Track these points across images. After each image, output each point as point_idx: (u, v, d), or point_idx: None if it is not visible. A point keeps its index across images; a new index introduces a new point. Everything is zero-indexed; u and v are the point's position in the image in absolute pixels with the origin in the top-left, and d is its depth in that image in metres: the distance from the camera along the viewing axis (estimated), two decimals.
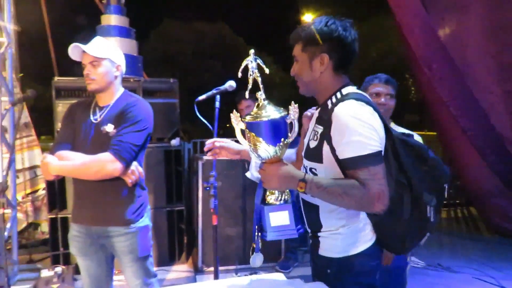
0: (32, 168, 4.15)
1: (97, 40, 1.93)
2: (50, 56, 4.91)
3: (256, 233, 1.34)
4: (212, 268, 2.19)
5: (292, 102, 1.29)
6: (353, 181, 1.23)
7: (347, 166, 1.26)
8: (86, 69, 1.87)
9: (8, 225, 3.16)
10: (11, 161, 3.15)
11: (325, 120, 1.32)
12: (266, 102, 1.29)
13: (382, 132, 1.30)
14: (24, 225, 4.04)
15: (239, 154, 1.71)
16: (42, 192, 4.16)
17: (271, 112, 1.26)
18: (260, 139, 1.24)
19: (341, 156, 1.26)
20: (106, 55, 1.89)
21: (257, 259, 1.38)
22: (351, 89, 1.38)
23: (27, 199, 4.11)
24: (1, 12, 3.38)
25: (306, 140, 1.44)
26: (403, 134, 1.44)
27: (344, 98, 1.31)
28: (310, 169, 1.38)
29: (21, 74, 4.14)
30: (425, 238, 1.44)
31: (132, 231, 1.89)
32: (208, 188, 2.05)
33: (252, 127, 1.26)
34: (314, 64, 1.37)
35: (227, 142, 1.72)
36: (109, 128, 1.85)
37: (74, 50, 1.87)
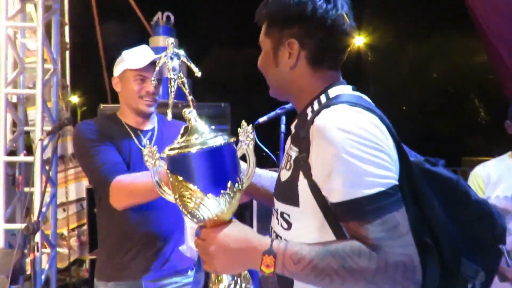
0: (79, 200, 3.95)
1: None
2: (104, 81, 4.85)
3: None
4: None
5: (243, 122, 0.86)
6: (356, 243, 0.75)
7: (343, 215, 0.78)
8: (148, 85, 1.52)
9: (47, 267, 2.90)
10: (52, 196, 2.91)
11: (302, 138, 0.86)
12: (198, 122, 0.82)
13: (395, 155, 0.81)
14: (67, 262, 3.81)
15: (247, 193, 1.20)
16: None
17: (208, 137, 0.78)
18: (191, 185, 0.76)
19: (331, 198, 0.79)
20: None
21: None
22: (342, 89, 0.92)
23: (72, 233, 3.90)
24: (49, 38, 3.25)
25: (279, 169, 0.97)
26: (427, 160, 0.88)
27: (330, 103, 0.85)
28: (282, 214, 0.91)
29: (71, 99, 4.01)
30: None
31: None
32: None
33: (177, 165, 0.77)
34: (281, 56, 0.93)
35: None
36: None
37: (142, 56, 1.51)
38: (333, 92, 0.91)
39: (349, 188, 0.76)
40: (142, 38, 3.83)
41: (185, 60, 0.89)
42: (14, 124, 3.08)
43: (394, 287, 0.74)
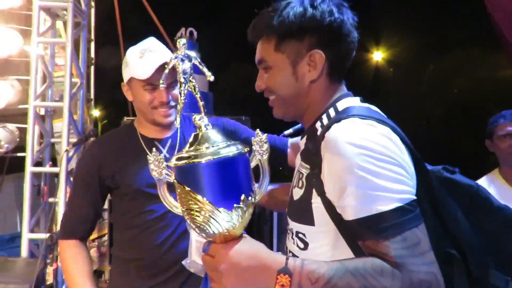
0: None
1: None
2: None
3: None
4: None
5: (257, 130, 0.80)
6: (378, 261, 0.71)
7: (359, 233, 0.75)
8: (160, 94, 1.30)
9: None
10: None
11: (313, 154, 0.84)
12: (209, 130, 0.75)
13: (411, 167, 0.79)
14: None
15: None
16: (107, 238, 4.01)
17: (220, 146, 0.72)
18: (200, 197, 0.69)
19: (346, 216, 0.76)
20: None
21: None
22: (351, 101, 0.90)
23: (93, 244, 3.95)
24: (77, 53, 3.36)
25: (291, 188, 0.93)
26: (445, 168, 0.85)
27: (340, 117, 0.82)
28: (297, 233, 0.88)
29: (93, 113, 4.11)
30: None
31: None
32: None
33: (186, 176, 0.71)
34: (300, 69, 0.89)
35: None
36: None
37: (148, 62, 1.29)
38: (341, 104, 0.89)
39: (364, 205, 0.73)
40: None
41: (197, 62, 0.82)
42: (40, 136, 3.18)
43: None
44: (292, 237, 0.90)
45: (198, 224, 0.72)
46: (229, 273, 0.71)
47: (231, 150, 0.72)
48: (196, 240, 1.06)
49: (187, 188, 0.70)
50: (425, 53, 12.46)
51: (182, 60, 0.79)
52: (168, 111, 1.34)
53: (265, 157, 0.80)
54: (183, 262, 1.15)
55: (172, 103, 1.34)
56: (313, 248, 0.85)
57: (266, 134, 0.80)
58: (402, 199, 0.73)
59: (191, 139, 0.76)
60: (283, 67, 0.90)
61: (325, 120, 0.88)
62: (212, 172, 0.70)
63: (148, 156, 0.76)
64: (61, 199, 2.69)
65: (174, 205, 0.77)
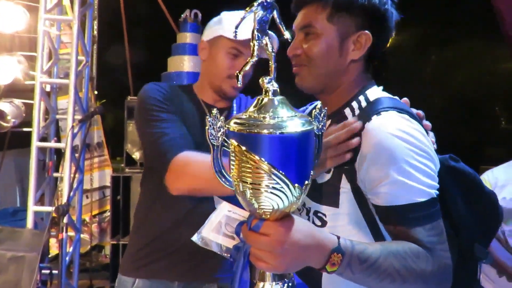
0: (101, 188, 4.10)
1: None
2: (127, 77, 4.99)
3: None
4: None
5: (318, 103, 0.76)
6: (414, 246, 0.77)
7: (392, 219, 0.81)
8: (241, 64, 1.19)
9: (71, 249, 3.03)
10: (79, 182, 3.04)
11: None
12: (277, 98, 0.66)
13: (438, 162, 0.87)
14: (88, 247, 3.95)
15: None
16: (109, 214, 4.10)
17: (286, 118, 0.63)
18: (272, 169, 0.61)
19: (382, 202, 0.82)
20: None
21: None
22: (378, 91, 0.93)
23: (94, 220, 4.04)
24: (83, 31, 3.39)
25: None
26: (451, 157, 0.93)
27: (376, 108, 0.85)
28: (316, 213, 0.92)
29: (96, 92, 4.16)
30: None
31: None
32: None
33: (252, 145, 0.62)
34: (346, 46, 0.90)
35: None
36: None
37: (246, 26, 1.21)
38: (371, 94, 0.91)
39: (401, 194, 0.79)
40: (167, 35, 3.93)
41: (275, 16, 0.70)
42: (46, 112, 3.23)
43: (438, 287, 0.80)
44: (307, 214, 0.95)
45: (256, 198, 0.64)
46: (287, 252, 0.66)
47: (297, 124, 0.63)
48: (226, 215, 0.99)
49: (256, 157, 0.61)
50: (428, 44, 12.41)
51: (264, 8, 0.68)
52: (241, 86, 1.26)
53: (321, 133, 0.73)
54: (193, 238, 1.08)
55: (247, 80, 1.26)
56: (332, 227, 0.90)
57: (326, 109, 0.73)
58: (432, 193, 0.81)
59: (254, 103, 0.67)
60: (331, 38, 0.90)
61: (356, 109, 0.90)
62: (281, 145, 0.62)
63: (206, 117, 0.65)
64: (66, 174, 2.75)
65: (226, 177, 0.69)
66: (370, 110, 0.85)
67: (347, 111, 0.91)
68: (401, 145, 0.80)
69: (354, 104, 0.91)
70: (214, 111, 0.66)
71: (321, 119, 0.70)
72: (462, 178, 0.92)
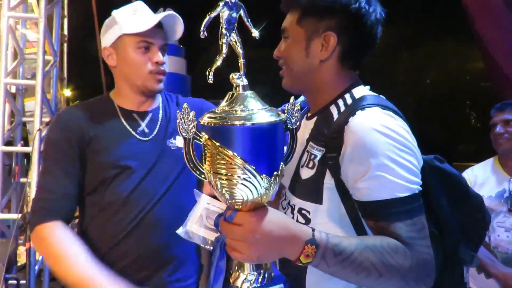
0: None
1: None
2: (101, 77, 4.86)
3: None
4: None
5: (292, 98, 0.77)
6: (392, 241, 0.78)
7: (373, 214, 0.81)
8: (155, 54, 1.19)
9: (40, 258, 2.90)
10: None
11: (330, 137, 0.88)
12: (247, 93, 0.70)
13: (421, 159, 0.87)
14: None
15: None
16: None
17: (257, 110, 0.67)
18: (239, 160, 0.64)
19: (364, 197, 0.82)
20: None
21: None
22: (364, 90, 0.96)
23: (73, 223, 3.90)
24: (50, 30, 3.26)
25: (292, 167, 0.97)
26: (436, 158, 0.96)
27: (360, 104, 0.87)
28: (300, 210, 0.93)
29: (64, 92, 4.01)
30: None
31: None
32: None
33: (222, 137, 0.65)
34: (313, 47, 0.93)
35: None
36: (181, 142, 1.29)
37: (144, 17, 1.19)
38: (356, 92, 0.93)
39: (382, 189, 0.80)
40: None
41: (242, 15, 0.73)
42: (11, 115, 3.09)
43: (417, 283, 0.79)
44: (291, 212, 0.95)
45: (228, 189, 0.67)
46: (259, 242, 0.69)
47: (271, 115, 0.67)
48: (205, 208, 1.01)
49: (227, 151, 0.64)
50: (399, 45, 12.69)
51: (230, 8, 0.71)
52: (162, 77, 1.23)
53: (295, 126, 0.76)
54: (178, 231, 1.06)
55: (164, 69, 1.23)
56: (316, 224, 0.89)
57: (299, 103, 0.76)
58: (414, 188, 0.81)
59: (226, 98, 0.71)
60: (298, 40, 0.94)
61: (341, 105, 0.92)
62: (257, 136, 0.66)
63: (177, 112, 0.67)
64: (33, 180, 2.64)
65: (199, 169, 0.71)
66: (356, 107, 0.87)
67: (333, 108, 0.93)
68: (382, 140, 0.80)
69: (340, 102, 0.93)
70: (185, 105, 0.67)
71: (294, 113, 0.73)
72: (447, 178, 0.93)
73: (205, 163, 0.69)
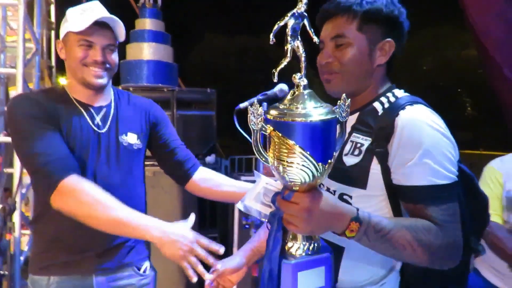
0: None
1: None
2: None
3: None
4: None
5: (344, 95, 0.83)
6: (426, 222, 0.90)
7: (413, 197, 0.93)
8: (95, 52, 1.27)
9: (26, 248, 2.88)
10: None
11: (378, 128, 0.98)
12: (306, 92, 0.81)
13: (458, 152, 0.98)
14: None
15: (247, 264, 1.28)
16: None
17: (314, 108, 0.79)
18: (301, 150, 0.77)
19: (407, 181, 0.93)
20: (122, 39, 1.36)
21: None
22: (402, 92, 1.07)
23: None
24: (32, 18, 3.17)
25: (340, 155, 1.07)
26: None
27: (408, 101, 0.99)
28: (341, 195, 1.02)
29: (59, 81, 3.92)
30: None
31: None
32: (247, 226, 1.61)
33: (287, 130, 0.78)
34: (375, 52, 1.03)
35: (226, 263, 1.26)
36: (132, 138, 1.37)
37: (86, 16, 1.25)
38: (397, 93, 1.04)
39: (428, 176, 0.90)
40: (130, 19, 3.75)
41: (306, 24, 0.83)
42: None
43: (445, 261, 0.91)
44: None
45: (288, 173, 0.80)
46: (312, 217, 0.81)
47: (327, 113, 0.79)
48: (264, 187, 1.14)
49: (290, 142, 0.77)
50: None
51: (296, 18, 0.81)
52: (100, 72, 1.29)
53: (344, 120, 0.84)
54: (237, 205, 1.15)
55: (107, 66, 1.30)
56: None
57: (349, 100, 0.83)
58: (453, 178, 0.92)
59: (289, 95, 0.82)
60: (362, 46, 1.02)
61: (385, 102, 1.02)
62: (314, 132, 0.78)
63: (249, 107, 0.77)
64: (16, 170, 2.60)
65: (264, 155, 0.83)
66: (401, 103, 0.98)
67: (377, 104, 1.03)
68: (431, 132, 0.92)
69: (383, 99, 1.03)
70: (255, 101, 0.78)
71: (345, 108, 0.82)
72: (464, 176, 1.01)
73: (269, 151, 0.81)
